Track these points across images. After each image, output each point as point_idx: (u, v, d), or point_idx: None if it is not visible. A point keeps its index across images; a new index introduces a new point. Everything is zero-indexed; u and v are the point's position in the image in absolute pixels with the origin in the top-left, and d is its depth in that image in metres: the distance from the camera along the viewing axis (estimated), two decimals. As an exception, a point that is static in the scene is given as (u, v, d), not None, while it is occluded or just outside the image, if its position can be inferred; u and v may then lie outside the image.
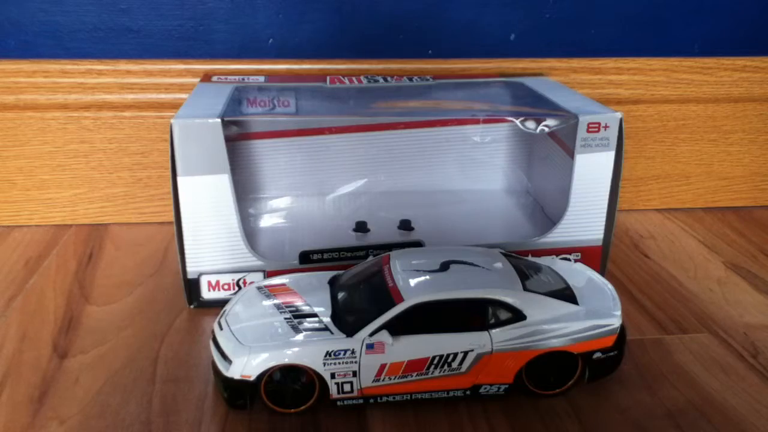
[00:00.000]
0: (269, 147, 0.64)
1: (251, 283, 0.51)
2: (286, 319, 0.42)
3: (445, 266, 0.44)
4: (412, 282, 0.42)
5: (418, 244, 0.55)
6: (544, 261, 0.50)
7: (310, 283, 0.47)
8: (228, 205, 0.50)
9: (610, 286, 0.47)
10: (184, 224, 0.51)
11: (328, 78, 0.62)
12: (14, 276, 0.59)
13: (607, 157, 0.53)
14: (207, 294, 0.53)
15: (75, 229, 0.68)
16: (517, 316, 0.42)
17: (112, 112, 0.65)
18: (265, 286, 0.47)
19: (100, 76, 0.64)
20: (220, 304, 0.49)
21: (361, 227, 0.60)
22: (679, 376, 0.47)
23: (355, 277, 0.46)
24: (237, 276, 0.52)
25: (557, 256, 0.55)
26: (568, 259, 0.55)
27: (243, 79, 0.61)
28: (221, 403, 0.43)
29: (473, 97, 0.63)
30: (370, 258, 0.48)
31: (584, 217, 0.55)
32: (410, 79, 0.63)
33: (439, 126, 0.66)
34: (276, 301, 0.44)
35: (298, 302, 0.44)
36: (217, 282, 0.53)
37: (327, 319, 0.42)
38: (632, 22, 0.70)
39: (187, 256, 0.52)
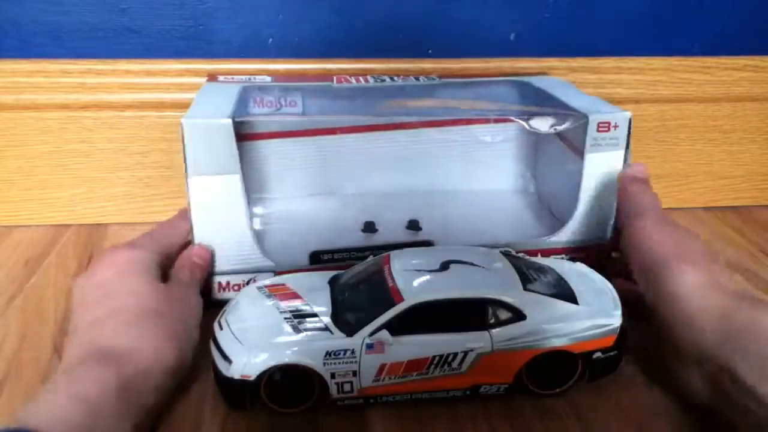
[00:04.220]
0: (277, 147, 0.64)
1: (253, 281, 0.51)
2: (286, 318, 0.42)
3: (445, 266, 0.44)
4: (412, 282, 0.42)
5: (427, 243, 0.55)
6: (544, 261, 0.50)
7: (310, 283, 0.47)
8: (239, 206, 0.50)
9: (610, 286, 0.47)
10: (194, 224, 0.50)
11: (334, 78, 0.62)
12: (14, 276, 0.59)
13: (617, 157, 0.53)
14: (218, 294, 0.52)
15: (75, 229, 0.68)
16: (517, 315, 0.42)
17: (113, 111, 0.65)
18: (265, 286, 0.47)
19: (100, 76, 0.64)
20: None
21: (369, 227, 0.60)
22: (679, 375, 0.47)
23: (355, 277, 0.46)
24: (247, 277, 0.52)
25: (566, 255, 0.55)
26: (578, 259, 0.55)
27: (250, 78, 0.61)
28: (221, 403, 0.43)
29: (481, 97, 0.63)
30: (370, 258, 0.48)
31: (594, 217, 0.55)
32: (416, 79, 0.63)
33: (447, 126, 0.65)
34: (276, 301, 0.44)
35: (298, 302, 0.44)
36: (228, 283, 0.52)
37: (327, 319, 0.42)
38: (632, 22, 0.70)
39: None
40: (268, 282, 0.48)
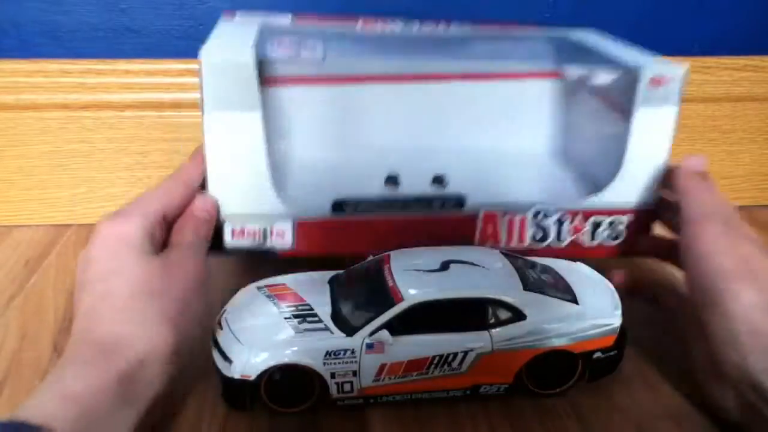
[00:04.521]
0: (297, 94, 0.60)
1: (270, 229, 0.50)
2: (286, 318, 0.42)
3: (445, 266, 0.44)
4: (412, 282, 0.42)
5: (458, 197, 0.51)
6: (544, 261, 0.50)
7: (310, 282, 0.47)
8: (258, 146, 0.47)
9: (610, 285, 0.47)
10: (209, 164, 0.47)
11: (359, 22, 0.57)
12: (14, 276, 0.59)
13: (669, 113, 0.49)
14: (230, 242, 0.49)
15: (75, 229, 0.68)
16: (517, 315, 0.42)
17: (113, 111, 0.65)
18: (265, 286, 0.47)
19: (100, 76, 0.64)
20: (243, 254, 0.47)
21: (392, 180, 0.56)
22: (680, 375, 0.47)
23: (355, 277, 0.46)
24: (263, 224, 0.49)
25: (609, 216, 0.52)
26: (622, 223, 0.52)
27: (268, 17, 0.56)
28: (221, 403, 0.43)
29: (516, 50, 0.59)
30: (370, 257, 0.48)
31: (642, 177, 0.51)
32: (448, 27, 0.58)
33: (479, 79, 0.61)
34: (276, 301, 0.44)
35: (298, 302, 0.44)
36: (242, 229, 0.49)
37: (327, 319, 0.42)
38: (632, 22, 0.70)
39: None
40: (268, 282, 0.47)
